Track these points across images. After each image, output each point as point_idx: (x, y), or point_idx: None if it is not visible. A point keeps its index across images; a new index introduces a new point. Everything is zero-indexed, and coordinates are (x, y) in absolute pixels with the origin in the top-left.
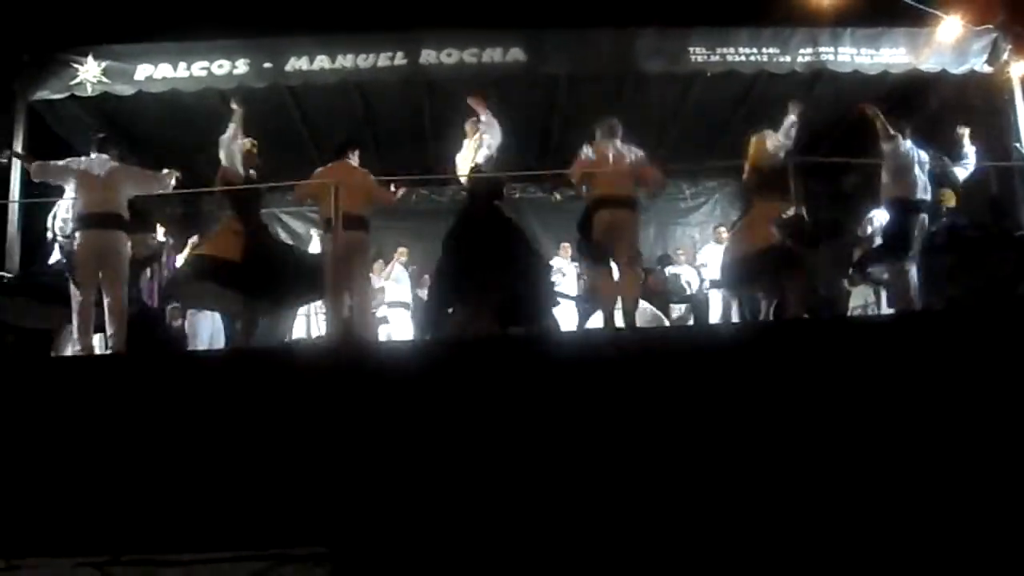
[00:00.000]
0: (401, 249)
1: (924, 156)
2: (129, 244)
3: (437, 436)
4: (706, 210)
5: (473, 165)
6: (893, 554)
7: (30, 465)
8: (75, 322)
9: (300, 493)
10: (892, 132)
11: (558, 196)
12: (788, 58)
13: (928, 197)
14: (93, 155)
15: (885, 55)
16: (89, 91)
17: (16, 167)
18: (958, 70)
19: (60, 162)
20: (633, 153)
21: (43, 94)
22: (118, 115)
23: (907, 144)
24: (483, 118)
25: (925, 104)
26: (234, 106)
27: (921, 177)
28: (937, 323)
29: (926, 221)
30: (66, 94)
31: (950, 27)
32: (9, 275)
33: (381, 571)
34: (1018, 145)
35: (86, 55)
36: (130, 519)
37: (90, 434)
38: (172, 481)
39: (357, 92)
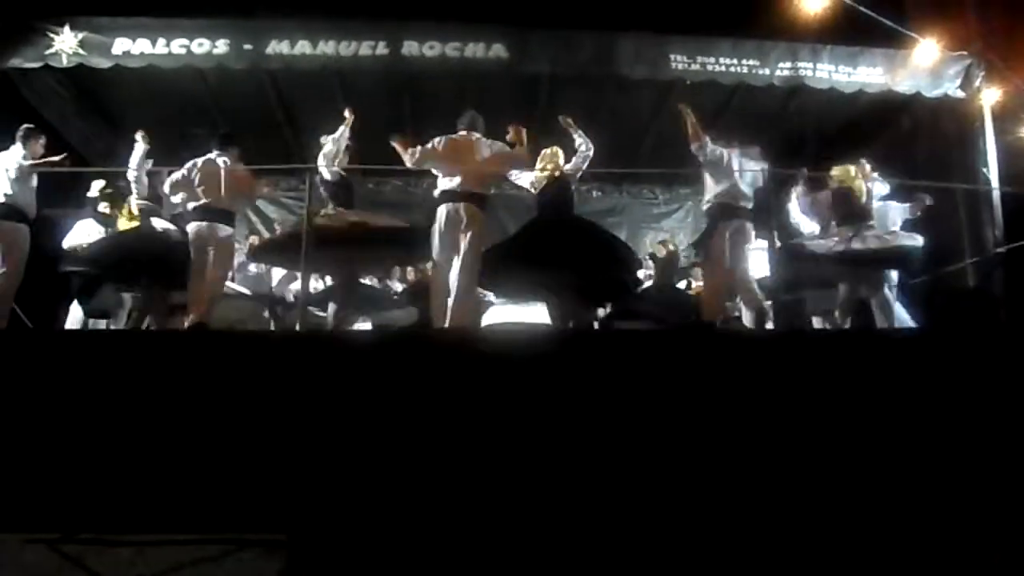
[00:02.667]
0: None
1: (750, 164)
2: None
3: (398, 424)
4: (679, 216)
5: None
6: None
7: None
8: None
9: (259, 479)
10: (700, 135)
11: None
12: (767, 71)
13: (750, 205)
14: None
15: (862, 74)
16: (64, 62)
17: None
18: (932, 93)
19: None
20: (490, 148)
21: (16, 62)
22: (93, 88)
23: (720, 150)
24: (578, 139)
25: (898, 125)
26: (347, 114)
27: (740, 185)
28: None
29: (749, 228)
30: (40, 64)
31: (926, 51)
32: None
33: (338, 559)
34: (985, 170)
35: (63, 25)
36: (83, 497)
37: (45, 409)
38: (128, 461)
39: (337, 79)
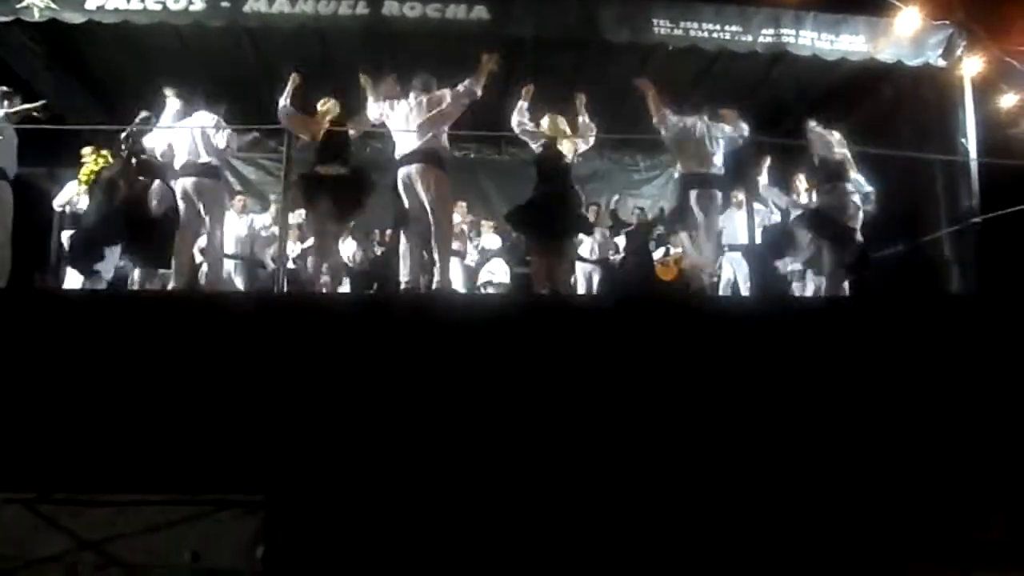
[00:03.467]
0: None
1: (719, 131)
2: None
3: (375, 387)
4: (659, 183)
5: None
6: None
7: None
8: None
9: (236, 440)
10: (660, 109)
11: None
12: (750, 37)
13: (720, 172)
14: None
15: (844, 42)
16: (36, 16)
17: None
18: (913, 62)
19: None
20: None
21: None
22: (67, 44)
23: (682, 120)
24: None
25: (879, 94)
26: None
27: (709, 151)
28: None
29: (717, 197)
30: (11, 18)
31: (909, 19)
32: None
33: (316, 519)
34: (964, 140)
35: None
36: (60, 457)
37: (22, 370)
38: (105, 421)
39: (316, 38)
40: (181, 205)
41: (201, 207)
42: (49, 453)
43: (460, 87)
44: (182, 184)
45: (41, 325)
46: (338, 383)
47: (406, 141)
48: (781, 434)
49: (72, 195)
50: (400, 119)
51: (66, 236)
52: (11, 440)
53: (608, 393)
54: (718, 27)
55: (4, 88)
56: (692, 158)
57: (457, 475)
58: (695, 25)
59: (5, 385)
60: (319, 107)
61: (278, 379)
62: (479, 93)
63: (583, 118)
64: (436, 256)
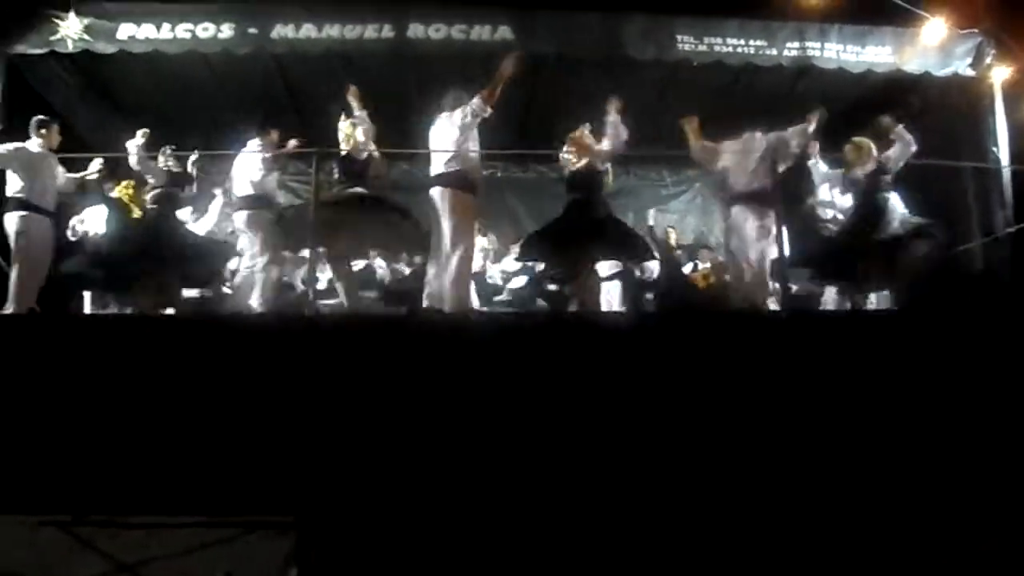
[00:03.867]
0: None
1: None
2: None
3: (408, 410)
4: (686, 199)
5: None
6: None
7: None
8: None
9: (267, 462)
10: (695, 143)
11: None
12: (775, 51)
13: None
14: None
15: (870, 53)
16: (70, 47)
17: None
18: (941, 72)
19: None
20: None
21: (22, 48)
22: (99, 74)
23: (709, 145)
24: (611, 119)
25: (907, 105)
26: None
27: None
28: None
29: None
30: (46, 50)
31: (936, 29)
32: None
33: (346, 542)
34: (995, 149)
35: (68, 10)
36: (96, 480)
37: (59, 394)
38: (139, 445)
39: (342, 63)
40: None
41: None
42: (84, 476)
43: (470, 107)
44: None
45: (75, 349)
46: (368, 404)
47: (434, 161)
48: (782, 443)
49: (96, 220)
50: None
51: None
52: (47, 463)
53: (655, 411)
54: (742, 42)
55: (40, 117)
56: (721, 178)
57: (491, 497)
58: (719, 40)
59: (42, 409)
60: (341, 129)
61: (309, 401)
62: (488, 110)
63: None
64: (447, 281)
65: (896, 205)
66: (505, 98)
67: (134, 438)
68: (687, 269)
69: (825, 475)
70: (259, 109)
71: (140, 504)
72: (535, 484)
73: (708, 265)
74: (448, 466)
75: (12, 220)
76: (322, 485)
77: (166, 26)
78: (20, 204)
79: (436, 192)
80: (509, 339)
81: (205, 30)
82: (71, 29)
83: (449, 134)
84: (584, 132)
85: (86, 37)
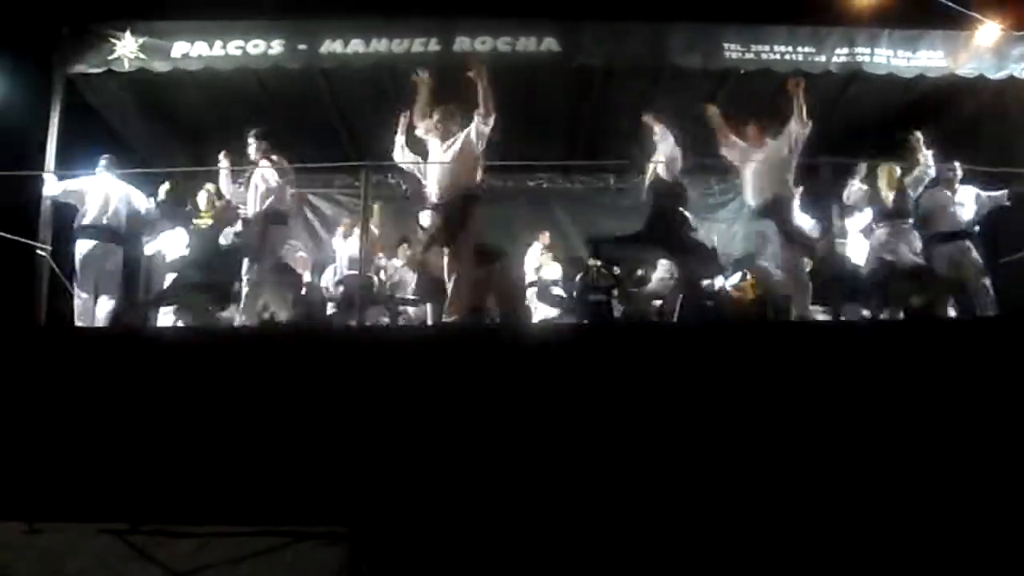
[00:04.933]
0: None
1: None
2: None
3: (460, 419)
4: (734, 207)
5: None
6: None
7: (57, 433)
8: None
9: (320, 472)
10: (728, 135)
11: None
12: (823, 58)
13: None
14: None
15: (922, 58)
16: (126, 66)
17: (52, 137)
18: (996, 76)
19: None
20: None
21: (81, 68)
22: (154, 91)
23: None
24: (657, 130)
25: (960, 109)
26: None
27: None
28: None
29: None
30: (103, 68)
31: (989, 32)
32: (47, 248)
33: (398, 552)
34: None
35: (124, 30)
36: (151, 490)
37: (116, 404)
38: (194, 455)
39: (390, 76)
40: None
41: None
42: (141, 485)
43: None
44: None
45: (134, 362)
46: (421, 414)
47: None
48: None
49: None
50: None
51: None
52: (105, 472)
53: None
54: (790, 49)
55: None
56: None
57: (546, 510)
58: (767, 48)
59: (100, 420)
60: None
61: (363, 411)
62: (490, 124)
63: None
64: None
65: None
66: (554, 111)
67: (189, 448)
68: (735, 279)
69: (857, 486)
70: (306, 125)
71: (194, 513)
72: (590, 497)
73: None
74: (501, 479)
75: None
76: (375, 496)
77: (218, 43)
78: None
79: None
80: (566, 349)
81: (256, 47)
82: (127, 48)
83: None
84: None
85: (142, 56)
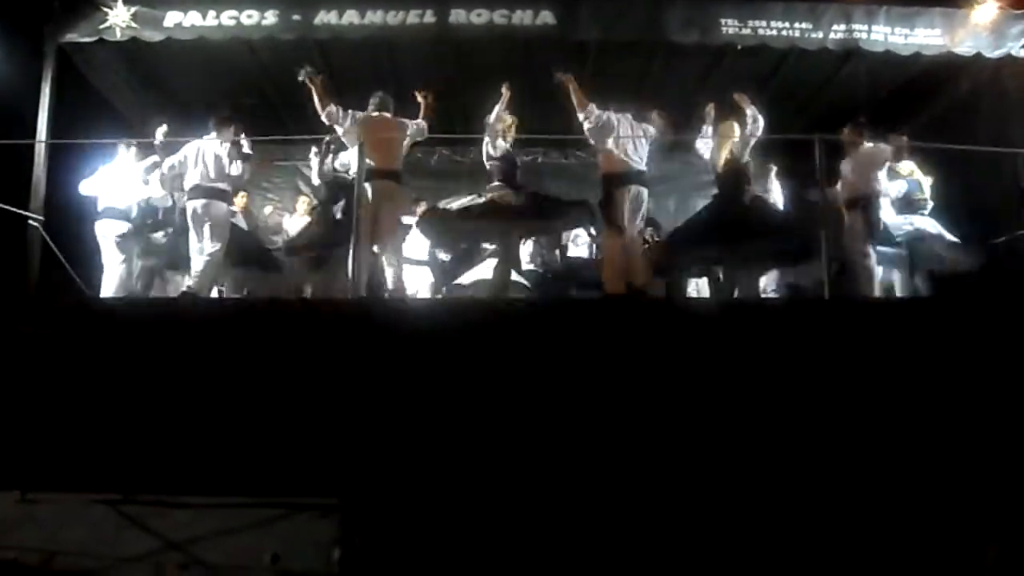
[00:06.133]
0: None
1: (648, 130)
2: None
3: (453, 394)
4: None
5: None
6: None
7: (50, 403)
8: None
9: (312, 445)
10: (584, 102)
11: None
12: (820, 34)
13: (643, 169)
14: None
15: (919, 35)
16: (118, 36)
17: (44, 106)
18: (993, 54)
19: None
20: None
21: (72, 37)
22: (146, 61)
23: (607, 115)
24: (749, 112)
25: (957, 88)
26: (505, 91)
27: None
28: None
29: (643, 194)
30: (95, 38)
31: (987, 9)
32: (39, 219)
33: (389, 524)
34: None
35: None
36: (144, 461)
37: (109, 375)
38: (187, 426)
39: (385, 49)
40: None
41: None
42: (135, 456)
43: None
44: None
45: (128, 333)
46: (412, 388)
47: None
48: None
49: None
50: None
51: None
52: (99, 443)
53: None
54: (787, 24)
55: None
56: (615, 155)
57: (537, 482)
58: (763, 23)
59: (94, 390)
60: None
61: (356, 385)
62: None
63: (749, 111)
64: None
65: None
66: (547, 84)
67: (183, 420)
68: None
69: (802, 482)
70: (298, 97)
71: (188, 485)
72: (588, 472)
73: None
74: (495, 453)
75: None
76: (367, 468)
77: (211, 13)
78: None
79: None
80: (565, 326)
81: (249, 17)
82: (119, 17)
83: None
84: (733, 125)
85: (134, 25)
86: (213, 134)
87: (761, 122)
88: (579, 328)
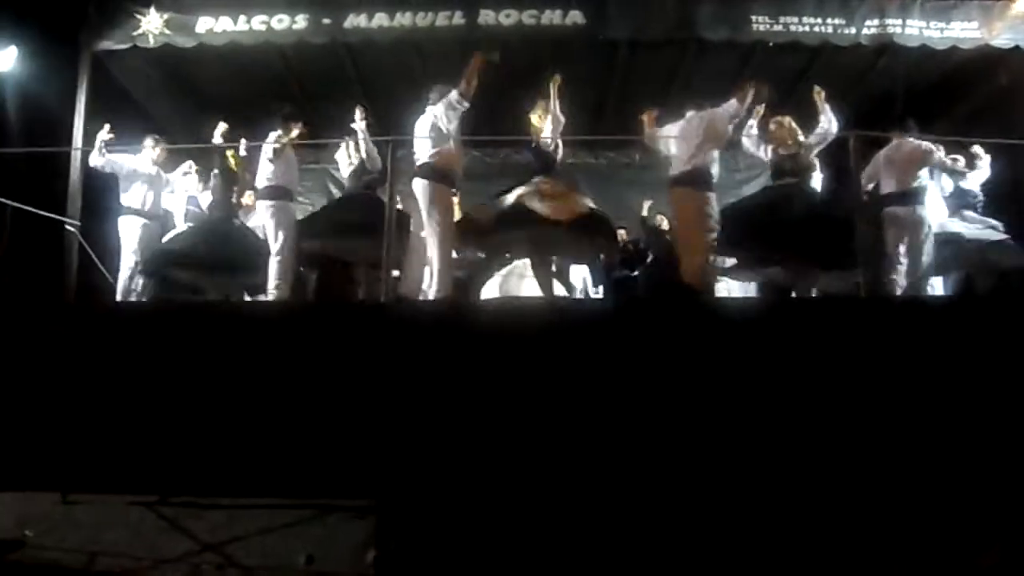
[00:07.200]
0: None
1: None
2: None
3: (491, 397)
4: (760, 182)
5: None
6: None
7: (90, 407)
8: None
9: (347, 446)
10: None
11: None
12: (853, 30)
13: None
14: None
15: (955, 28)
16: (151, 42)
17: (80, 113)
18: None
19: None
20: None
21: (107, 44)
22: (179, 67)
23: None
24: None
25: (994, 82)
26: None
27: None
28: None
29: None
30: (129, 45)
31: None
32: (76, 224)
33: (425, 525)
34: None
35: (149, 6)
36: (182, 463)
37: (147, 379)
38: (224, 429)
39: (414, 51)
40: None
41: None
42: (172, 458)
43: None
44: None
45: (164, 336)
46: (449, 390)
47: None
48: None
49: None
50: None
51: None
52: (137, 445)
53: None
54: (819, 20)
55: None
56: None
57: (570, 483)
58: (795, 19)
59: (132, 394)
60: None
61: (391, 386)
62: (465, 103)
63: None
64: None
65: None
66: (577, 83)
67: (220, 422)
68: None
69: (804, 481)
70: (329, 100)
71: (224, 486)
72: (622, 473)
73: None
74: (530, 454)
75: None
76: (402, 470)
77: (242, 18)
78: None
79: (418, 184)
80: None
81: (280, 21)
82: (152, 24)
83: (431, 126)
84: (791, 123)
85: (167, 31)
86: (279, 131)
87: (835, 125)
88: (626, 332)
